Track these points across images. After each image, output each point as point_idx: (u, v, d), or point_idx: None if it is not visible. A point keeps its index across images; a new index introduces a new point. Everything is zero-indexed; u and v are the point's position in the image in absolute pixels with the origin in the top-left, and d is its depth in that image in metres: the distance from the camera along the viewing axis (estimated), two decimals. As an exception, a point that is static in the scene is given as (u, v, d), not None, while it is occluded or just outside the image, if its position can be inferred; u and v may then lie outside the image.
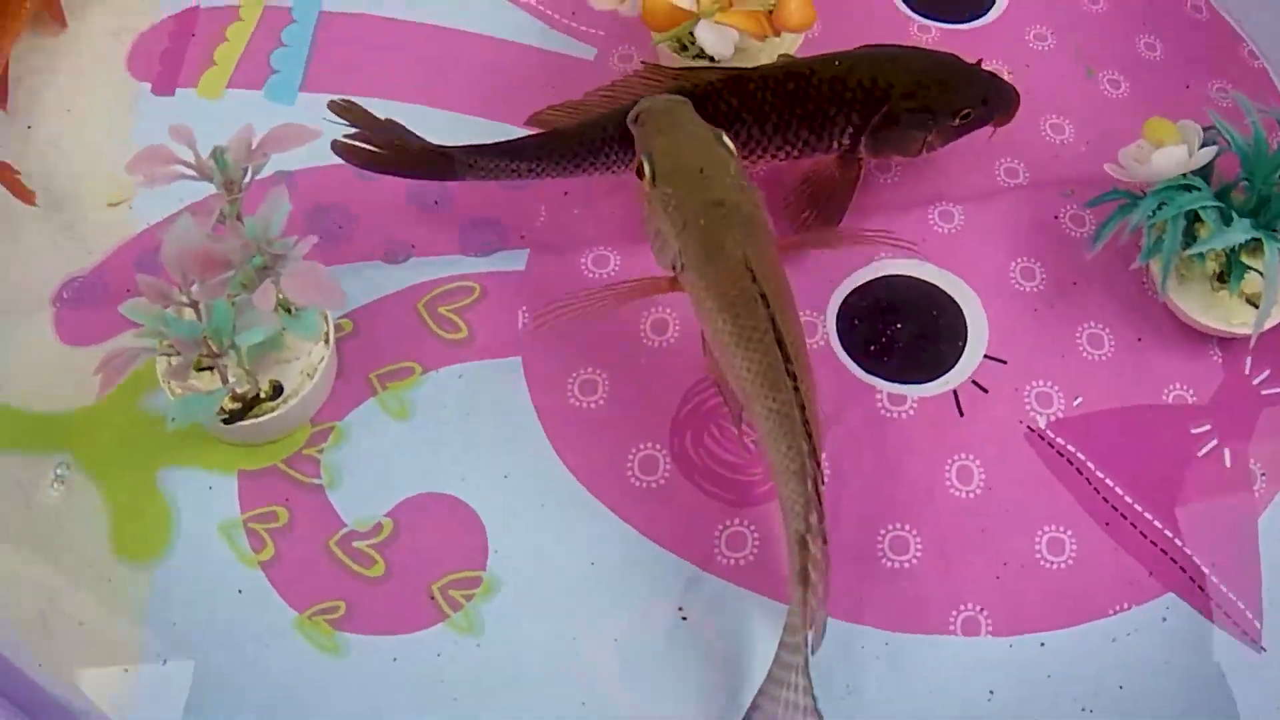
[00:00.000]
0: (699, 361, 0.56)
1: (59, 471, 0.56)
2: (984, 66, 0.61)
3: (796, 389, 0.47)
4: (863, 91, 0.58)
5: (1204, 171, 0.59)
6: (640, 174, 0.52)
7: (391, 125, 0.59)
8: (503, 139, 0.59)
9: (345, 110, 0.59)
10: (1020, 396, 0.57)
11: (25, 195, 0.65)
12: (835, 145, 0.59)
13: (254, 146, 0.57)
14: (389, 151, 0.59)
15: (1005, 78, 0.62)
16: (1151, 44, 0.71)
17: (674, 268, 0.52)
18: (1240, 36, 0.72)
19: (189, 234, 0.52)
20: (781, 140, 0.59)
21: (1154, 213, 0.57)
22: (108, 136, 0.68)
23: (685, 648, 0.52)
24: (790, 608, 0.47)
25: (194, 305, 0.52)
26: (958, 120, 0.59)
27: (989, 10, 0.71)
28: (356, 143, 0.59)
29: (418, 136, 0.59)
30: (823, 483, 0.47)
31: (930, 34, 0.70)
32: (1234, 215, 0.57)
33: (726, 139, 0.53)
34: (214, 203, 0.57)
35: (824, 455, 0.55)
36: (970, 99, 0.59)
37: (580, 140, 0.58)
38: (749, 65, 0.64)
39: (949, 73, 0.59)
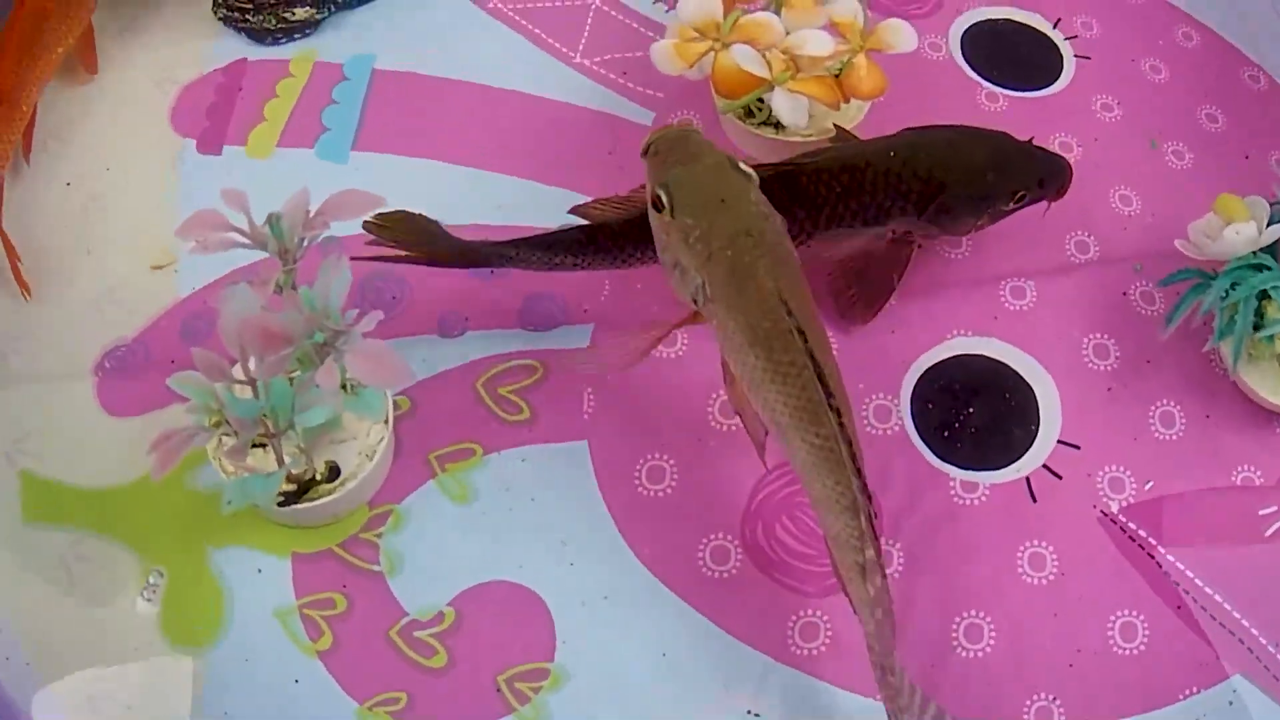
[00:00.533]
0: (770, 450, 0.57)
1: (151, 580, 0.56)
2: (1038, 143, 0.62)
3: (841, 424, 0.47)
4: (919, 183, 0.59)
5: (1273, 249, 0.61)
6: (657, 206, 0.52)
7: (427, 232, 0.59)
8: (548, 231, 0.59)
9: (380, 228, 0.59)
10: (1093, 482, 0.58)
11: (23, 286, 0.66)
12: (888, 233, 0.60)
13: (312, 214, 0.57)
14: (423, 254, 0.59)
15: (1063, 154, 0.62)
16: (1213, 114, 0.72)
17: (695, 301, 0.52)
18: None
19: (248, 306, 0.52)
20: (835, 229, 0.60)
21: (1226, 293, 0.58)
22: (150, 196, 0.69)
23: (759, 743, 0.52)
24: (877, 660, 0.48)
25: (252, 383, 0.53)
26: (1012, 204, 0.60)
27: (1057, 80, 0.73)
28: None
29: (456, 239, 0.59)
30: (876, 516, 0.48)
31: (998, 103, 0.71)
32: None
33: (744, 165, 0.53)
34: (267, 270, 0.57)
35: (898, 544, 0.56)
36: (1025, 182, 0.60)
37: (626, 235, 0.58)
38: (817, 133, 0.65)
39: (1003, 157, 0.60)
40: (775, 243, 0.50)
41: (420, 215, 0.61)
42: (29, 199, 0.69)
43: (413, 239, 0.59)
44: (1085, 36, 0.75)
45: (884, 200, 0.59)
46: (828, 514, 0.49)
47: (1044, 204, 0.61)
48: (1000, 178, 0.59)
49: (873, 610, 0.47)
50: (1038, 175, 0.60)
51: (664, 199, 0.51)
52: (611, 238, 0.58)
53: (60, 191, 0.70)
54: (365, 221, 0.59)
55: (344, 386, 0.56)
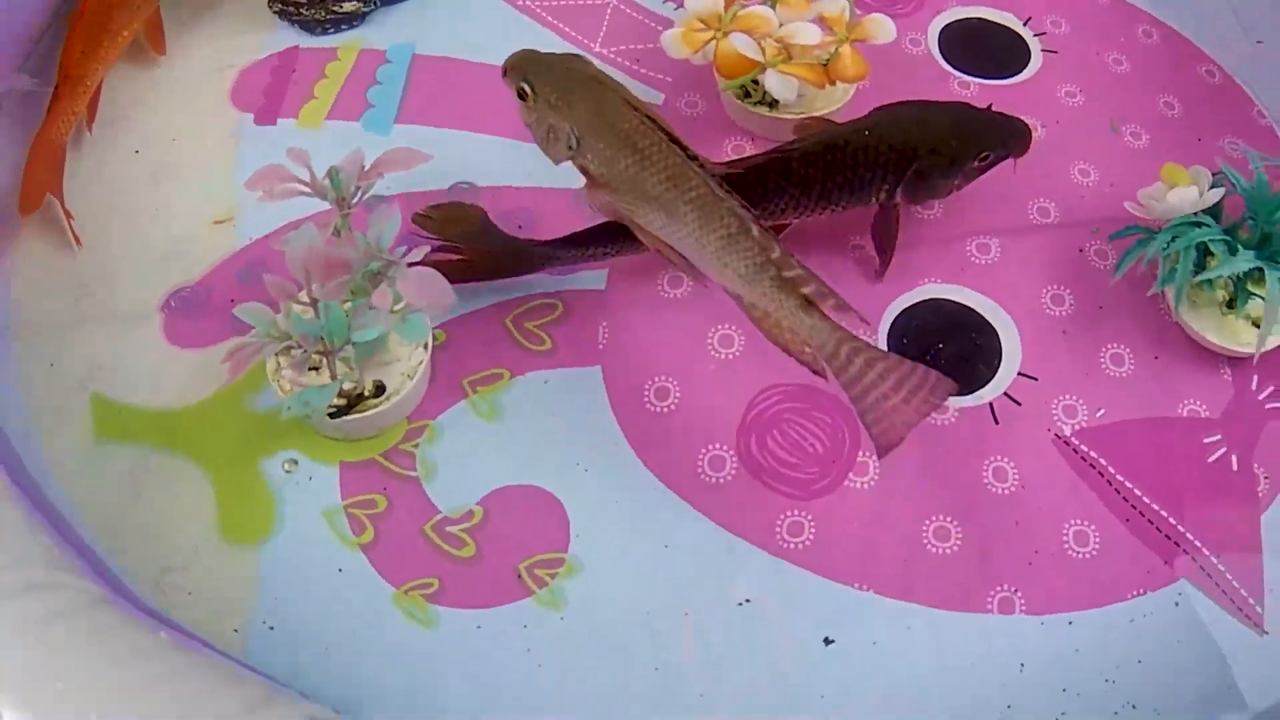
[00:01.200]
0: (762, 374, 0.68)
1: (286, 468, 0.67)
2: (995, 110, 0.74)
3: (703, 166, 0.58)
4: (894, 154, 0.70)
5: (1214, 211, 0.71)
6: (523, 97, 0.63)
7: (474, 222, 0.71)
8: (580, 230, 0.70)
9: (427, 220, 0.70)
10: (1049, 409, 0.69)
11: (75, 238, 0.77)
12: (874, 200, 0.71)
13: (366, 168, 0.68)
14: (472, 258, 0.70)
15: (1027, 122, 0.73)
16: (1170, 103, 0.83)
17: (572, 153, 0.62)
18: (1250, 99, 0.85)
19: (313, 240, 0.64)
20: (826, 203, 0.71)
21: (1168, 245, 0.69)
22: (212, 162, 0.81)
23: (751, 621, 0.62)
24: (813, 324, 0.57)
25: (314, 304, 0.63)
26: (978, 162, 0.71)
27: (1024, 69, 0.84)
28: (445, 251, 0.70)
29: (499, 231, 0.71)
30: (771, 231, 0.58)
31: (970, 89, 0.83)
32: (1239, 247, 0.68)
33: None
34: (326, 218, 0.68)
35: (872, 456, 0.66)
36: (989, 143, 0.71)
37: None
38: (806, 112, 0.76)
39: (966, 124, 0.72)
40: (621, 87, 0.62)
41: (468, 205, 0.73)
42: (102, 166, 0.81)
43: (458, 231, 0.71)
44: (1053, 33, 0.86)
45: (865, 174, 0.70)
46: (730, 252, 0.58)
47: (1010, 163, 0.72)
48: (964, 141, 0.70)
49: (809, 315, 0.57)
50: (999, 135, 0.71)
51: (527, 89, 0.63)
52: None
53: (130, 159, 0.81)
54: (415, 214, 0.71)
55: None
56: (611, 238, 0.69)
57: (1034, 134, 0.76)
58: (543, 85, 0.62)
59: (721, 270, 0.59)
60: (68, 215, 0.77)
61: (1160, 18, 0.89)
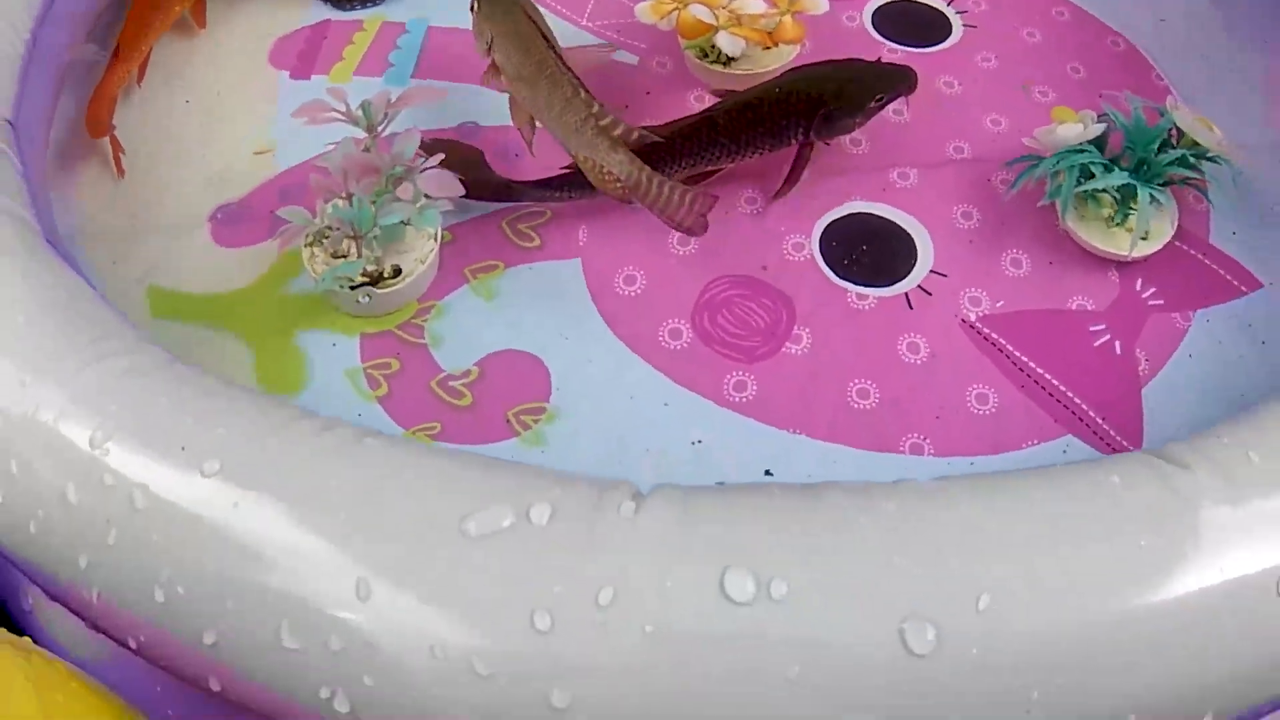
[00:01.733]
0: (714, 267, 0.84)
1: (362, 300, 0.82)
2: (884, 61, 0.93)
3: (561, 59, 0.81)
4: (803, 104, 0.87)
5: (1098, 143, 0.87)
6: (472, 10, 0.87)
7: (471, 156, 0.89)
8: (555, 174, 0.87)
9: (432, 149, 0.85)
10: (957, 299, 0.84)
11: (119, 166, 0.94)
12: (793, 141, 0.88)
13: (391, 101, 0.85)
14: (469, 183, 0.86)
15: (944, 90, 0.90)
16: (1076, 68, 1.01)
17: (487, 48, 0.85)
18: (1150, 64, 1.01)
19: (350, 149, 0.80)
20: (753, 149, 0.88)
21: (1055, 165, 0.85)
22: (254, 108, 0.98)
23: (702, 456, 0.77)
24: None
25: (348, 198, 0.80)
26: (874, 103, 0.88)
27: (947, 39, 1.01)
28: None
29: (489, 167, 0.89)
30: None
31: (896, 55, 1.00)
32: (1115, 168, 0.84)
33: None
34: (359, 142, 0.85)
35: (807, 329, 0.81)
36: (882, 88, 0.89)
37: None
38: (755, 69, 0.93)
39: (861, 74, 0.90)
40: (536, 13, 0.85)
41: (466, 144, 0.91)
42: (156, 114, 0.99)
43: (457, 161, 0.87)
44: (974, 11, 1.04)
45: (782, 121, 0.87)
46: (567, 112, 0.81)
47: (904, 102, 0.90)
48: (861, 87, 0.88)
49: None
50: (889, 80, 0.89)
51: (475, 5, 0.87)
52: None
53: (182, 108, 0.99)
54: (423, 143, 0.87)
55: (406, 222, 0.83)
56: (574, 186, 0.86)
57: (951, 90, 0.94)
58: (483, 4, 0.87)
59: (563, 127, 0.81)
60: (116, 148, 0.94)
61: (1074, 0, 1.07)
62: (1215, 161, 0.88)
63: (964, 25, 1.03)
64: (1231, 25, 1.05)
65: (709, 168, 0.87)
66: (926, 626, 0.47)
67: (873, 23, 1.03)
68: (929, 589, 0.47)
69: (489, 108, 0.95)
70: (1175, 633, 0.51)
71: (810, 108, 0.87)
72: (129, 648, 0.56)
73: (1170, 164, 0.87)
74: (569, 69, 0.82)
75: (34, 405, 0.58)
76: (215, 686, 0.53)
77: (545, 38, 0.83)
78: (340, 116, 0.85)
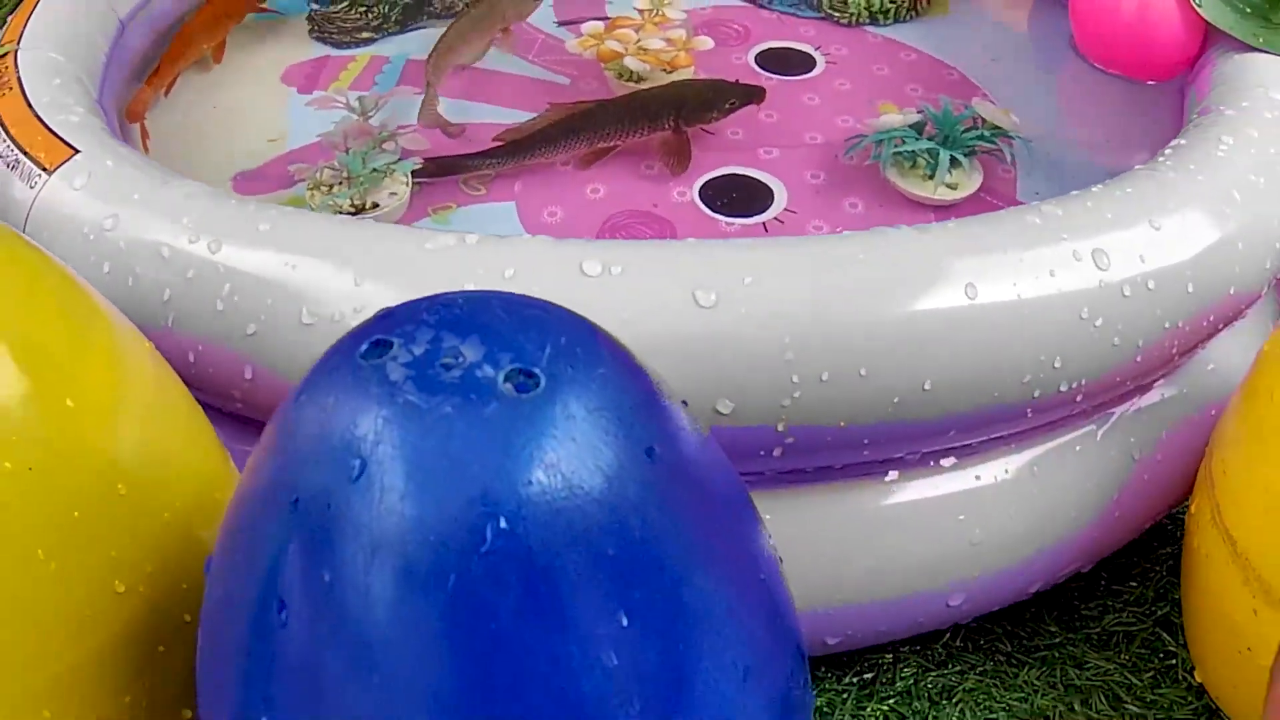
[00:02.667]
0: (615, 204, 1.16)
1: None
2: (740, 81, 1.31)
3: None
4: (672, 103, 1.25)
5: (917, 128, 1.21)
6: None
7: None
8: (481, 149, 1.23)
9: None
10: (804, 229, 1.15)
11: (145, 148, 1.26)
12: (666, 127, 1.24)
13: (379, 98, 1.20)
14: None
15: (801, 98, 1.26)
16: (915, 89, 1.35)
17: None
18: (976, 86, 1.36)
19: (350, 120, 1.15)
20: (637, 132, 1.24)
21: (878, 138, 1.18)
22: (269, 113, 1.31)
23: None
24: None
25: (347, 151, 1.13)
26: (728, 105, 1.26)
27: (812, 70, 1.37)
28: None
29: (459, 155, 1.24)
30: None
31: (772, 82, 1.35)
32: (923, 139, 1.17)
33: None
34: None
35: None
36: (734, 95, 1.27)
37: (530, 144, 1.22)
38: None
39: (719, 85, 1.30)
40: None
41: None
42: (190, 118, 1.32)
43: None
44: (836, 54, 1.41)
45: (654, 114, 1.24)
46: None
47: (772, 109, 1.26)
48: (717, 93, 1.27)
49: None
50: (742, 91, 1.27)
51: None
52: (521, 146, 1.22)
53: (209, 112, 1.33)
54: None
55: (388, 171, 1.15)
56: (502, 155, 1.21)
57: (812, 102, 1.29)
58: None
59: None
60: (145, 135, 1.27)
61: (920, 48, 1.42)
62: (1011, 138, 1.22)
63: (827, 62, 1.40)
64: (1044, 58, 1.42)
65: (608, 143, 1.23)
66: (710, 292, 0.76)
67: (755, 61, 1.40)
68: (710, 270, 0.77)
69: (454, 112, 1.30)
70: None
71: (678, 103, 1.25)
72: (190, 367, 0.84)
73: (971, 138, 1.21)
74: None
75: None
76: (248, 375, 0.81)
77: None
78: (342, 105, 1.19)
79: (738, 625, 0.53)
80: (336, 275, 0.85)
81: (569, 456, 0.47)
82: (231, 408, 0.89)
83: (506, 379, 0.48)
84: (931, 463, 0.91)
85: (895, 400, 0.80)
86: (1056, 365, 0.84)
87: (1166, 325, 0.90)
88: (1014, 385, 0.84)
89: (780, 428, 0.79)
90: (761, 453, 0.81)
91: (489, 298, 0.54)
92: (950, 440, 0.87)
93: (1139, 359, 0.90)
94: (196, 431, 0.76)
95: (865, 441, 0.82)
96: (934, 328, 0.81)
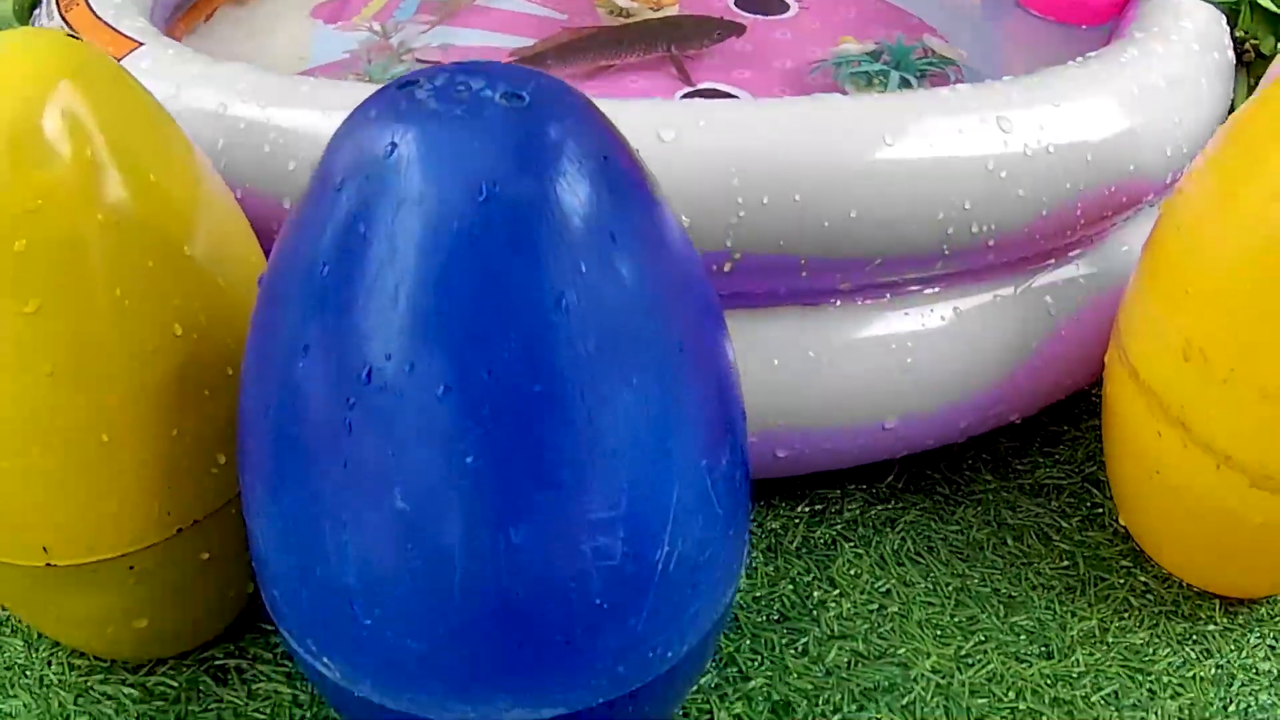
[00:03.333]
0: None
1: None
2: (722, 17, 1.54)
3: None
4: (668, 31, 1.48)
5: (872, 56, 1.41)
6: None
7: None
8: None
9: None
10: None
11: None
12: (661, 51, 1.47)
13: (397, 24, 1.41)
14: None
15: (774, 32, 1.47)
16: (877, 28, 1.56)
17: None
18: (933, 29, 1.56)
19: (372, 40, 1.35)
20: (636, 54, 1.47)
21: (837, 61, 1.39)
22: (297, 36, 1.52)
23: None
24: None
25: (370, 63, 1.33)
26: (716, 35, 1.50)
27: (787, 13, 1.57)
28: None
29: None
30: None
31: (751, 20, 1.55)
32: (876, 64, 1.38)
33: None
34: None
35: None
36: (719, 28, 1.51)
37: (542, 59, 1.46)
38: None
39: (706, 18, 1.54)
40: None
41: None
42: (224, 44, 1.53)
43: None
44: (808, 1, 1.61)
45: (653, 40, 1.48)
46: None
47: (749, 40, 1.46)
48: (701, 25, 1.51)
49: None
50: (724, 24, 1.52)
51: None
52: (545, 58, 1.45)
53: (242, 40, 1.54)
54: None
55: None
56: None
57: (784, 38, 1.49)
58: None
59: None
60: None
61: None
62: (959, 67, 1.43)
63: (800, 7, 1.63)
64: (991, 9, 1.63)
65: (610, 61, 1.47)
66: (671, 130, 0.96)
67: (735, 4, 1.63)
68: (671, 115, 0.97)
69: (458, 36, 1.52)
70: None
71: (672, 31, 1.51)
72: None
73: (921, 64, 1.42)
74: None
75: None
76: (286, 205, 1.01)
77: None
78: (365, 28, 1.41)
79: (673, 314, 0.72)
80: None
81: (542, 148, 0.66)
82: (266, 243, 1.09)
83: (501, 97, 0.67)
84: (869, 299, 1.10)
85: (825, 225, 1.00)
86: (966, 207, 1.04)
87: (1068, 186, 1.09)
88: (930, 220, 1.03)
89: (729, 242, 0.99)
90: (714, 267, 1.00)
91: (493, 63, 0.73)
92: (880, 272, 1.06)
93: (1044, 214, 1.09)
94: (246, 231, 0.95)
95: (802, 263, 1.02)
96: (857, 166, 1.00)
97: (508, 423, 0.66)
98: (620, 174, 0.70)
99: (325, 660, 0.79)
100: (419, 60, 1.41)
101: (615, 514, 0.70)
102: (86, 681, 1.05)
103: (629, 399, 0.69)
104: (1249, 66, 1.66)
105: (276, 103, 1.08)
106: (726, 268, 1.01)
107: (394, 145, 0.65)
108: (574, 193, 0.66)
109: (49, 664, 1.07)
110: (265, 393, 0.73)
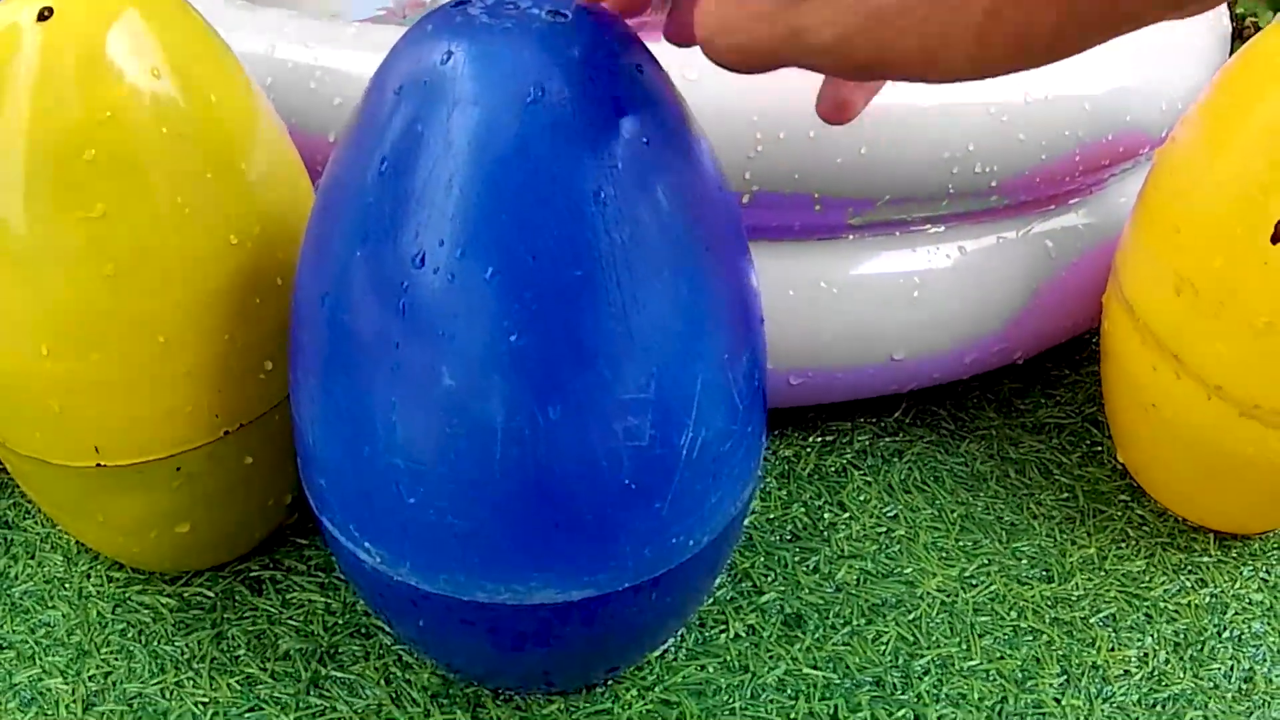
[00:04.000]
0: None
1: None
2: None
3: None
4: None
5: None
6: None
7: None
8: None
9: None
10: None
11: None
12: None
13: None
14: None
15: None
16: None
17: None
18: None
19: (395, -19, 1.44)
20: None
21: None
22: (326, -3, 1.60)
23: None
24: None
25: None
26: None
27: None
28: None
29: None
30: None
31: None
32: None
33: None
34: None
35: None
36: None
37: None
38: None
39: None
40: None
41: None
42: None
43: None
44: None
45: None
46: None
47: None
48: None
49: None
50: None
51: None
52: None
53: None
54: None
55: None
56: None
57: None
58: None
59: None
60: None
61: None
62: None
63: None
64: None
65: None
66: (694, 70, 1.04)
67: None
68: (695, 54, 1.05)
69: None
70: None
71: None
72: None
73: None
74: None
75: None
76: (331, 139, 1.08)
77: None
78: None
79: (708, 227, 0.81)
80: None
81: (584, 57, 0.74)
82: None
83: (546, 14, 0.75)
84: (879, 234, 1.18)
85: (838, 161, 1.08)
86: (970, 148, 1.12)
87: (1066, 134, 1.17)
88: (936, 159, 1.11)
89: (747, 176, 1.07)
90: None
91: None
92: (888, 210, 1.14)
93: (1044, 158, 1.17)
94: (294, 155, 1.04)
95: (816, 197, 1.10)
96: (868, 107, 1.08)
97: (549, 304, 0.74)
98: (654, 86, 0.78)
99: (367, 545, 0.87)
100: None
101: (645, 396, 0.78)
102: (124, 592, 1.13)
103: (659, 288, 0.77)
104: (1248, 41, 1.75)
105: (324, 42, 1.16)
106: (745, 199, 1.09)
107: (450, 54, 0.73)
108: (611, 98, 0.74)
109: (88, 576, 1.15)
110: (321, 284, 0.80)
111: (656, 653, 1.08)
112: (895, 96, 1.11)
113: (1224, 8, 1.45)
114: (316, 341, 0.83)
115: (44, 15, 0.85)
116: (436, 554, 0.85)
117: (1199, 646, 1.12)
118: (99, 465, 0.97)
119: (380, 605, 0.95)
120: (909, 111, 1.11)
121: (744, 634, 1.10)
